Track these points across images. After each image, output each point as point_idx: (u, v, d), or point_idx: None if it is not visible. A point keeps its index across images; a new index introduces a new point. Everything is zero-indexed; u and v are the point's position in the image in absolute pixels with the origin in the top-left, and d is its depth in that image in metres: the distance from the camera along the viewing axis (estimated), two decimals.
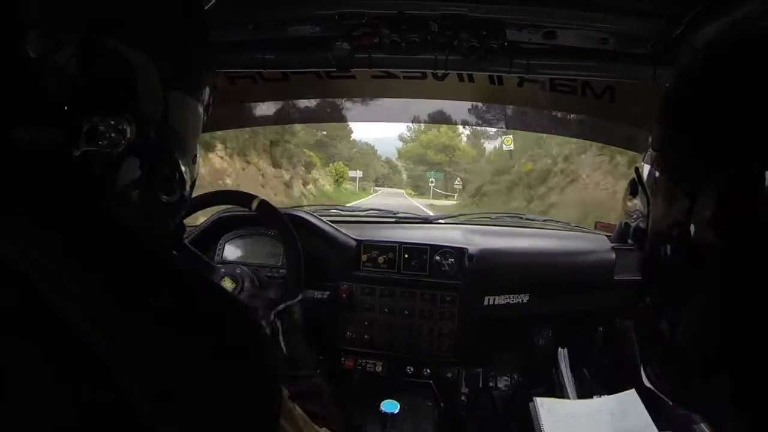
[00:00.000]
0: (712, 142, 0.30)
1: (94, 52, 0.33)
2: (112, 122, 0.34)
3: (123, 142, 0.35)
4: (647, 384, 0.36)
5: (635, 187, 0.37)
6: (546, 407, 1.03)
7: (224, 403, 0.29)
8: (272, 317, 0.88)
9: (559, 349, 1.25)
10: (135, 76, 0.35)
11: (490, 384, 1.39)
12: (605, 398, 1.06)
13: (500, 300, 1.22)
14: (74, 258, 0.28)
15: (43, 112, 0.32)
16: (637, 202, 0.36)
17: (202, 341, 0.30)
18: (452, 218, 1.63)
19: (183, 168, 0.41)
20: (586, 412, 1.03)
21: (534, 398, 1.04)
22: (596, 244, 1.33)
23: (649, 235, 0.34)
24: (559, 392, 1.21)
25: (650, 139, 0.36)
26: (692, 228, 0.29)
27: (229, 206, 1.19)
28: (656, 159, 0.34)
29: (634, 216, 0.37)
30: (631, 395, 1.03)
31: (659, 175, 0.34)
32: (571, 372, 1.21)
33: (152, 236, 0.42)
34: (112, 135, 0.34)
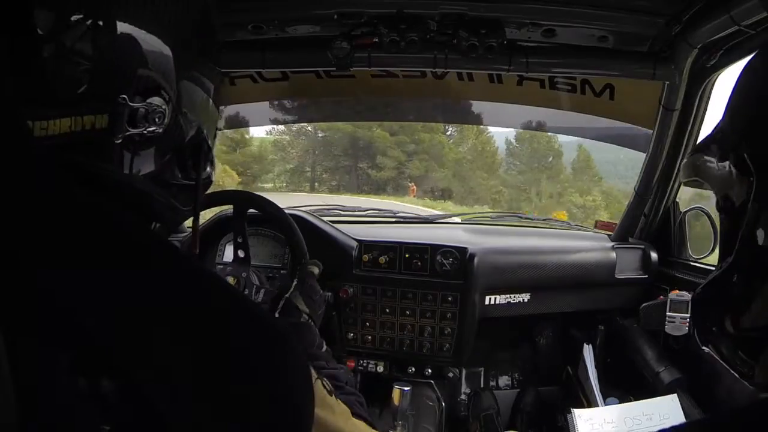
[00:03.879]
0: None
1: (113, 36, 0.33)
2: (152, 103, 0.34)
3: (164, 122, 0.35)
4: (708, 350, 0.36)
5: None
6: (584, 418, 0.99)
7: (249, 401, 0.28)
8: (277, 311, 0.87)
9: (585, 345, 1.24)
10: (159, 57, 0.35)
11: (492, 383, 1.39)
12: (644, 402, 1.03)
13: (501, 299, 1.21)
14: (99, 257, 0.27)
15: (80, 101, 0.31)
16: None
17: (220, 340, 0.29)
18: (452, 218, 1.63)
19: (210, 143, 0.41)
20: (623, 417, 0.99)
21: (572, 410, 1.01)
22: (597, 243, 1.33)
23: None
24: (575, 390, 1.21)
25: (712, 137, 0.36)
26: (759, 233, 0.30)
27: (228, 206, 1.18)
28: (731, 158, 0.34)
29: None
30: (671, 400, 1.00)
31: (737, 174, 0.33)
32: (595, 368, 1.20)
33: (178, 219, 0.42)
34: (154, 117, 0.35)
